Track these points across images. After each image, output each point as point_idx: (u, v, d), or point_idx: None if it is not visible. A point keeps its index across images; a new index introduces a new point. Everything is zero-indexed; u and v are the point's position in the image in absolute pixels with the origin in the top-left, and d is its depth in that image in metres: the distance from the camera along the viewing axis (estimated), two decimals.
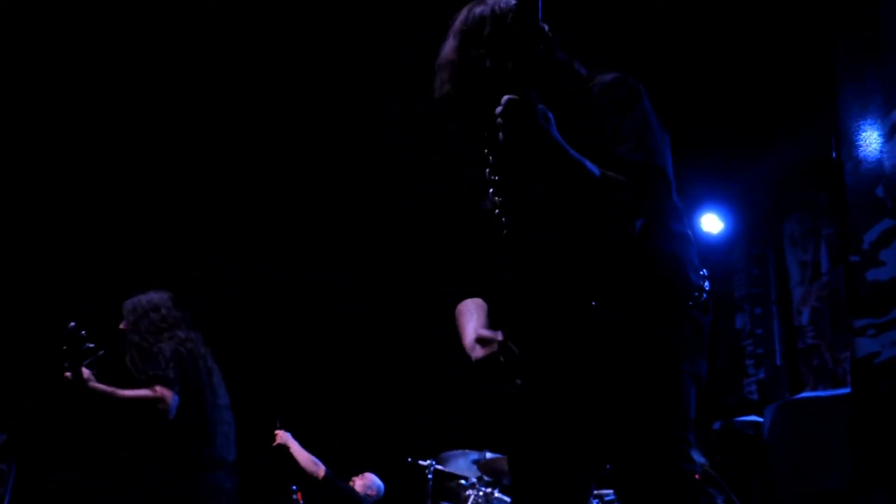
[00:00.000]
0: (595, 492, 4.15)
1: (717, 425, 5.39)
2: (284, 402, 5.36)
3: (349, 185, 6.56)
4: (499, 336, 1.94)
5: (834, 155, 3.91)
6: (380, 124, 5.86)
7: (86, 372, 3.59)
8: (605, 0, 4.80)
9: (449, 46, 2.01)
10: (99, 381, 3.66)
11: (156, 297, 3.97)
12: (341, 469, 5.59)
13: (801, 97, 5.41)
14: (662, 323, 1.89)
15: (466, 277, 2.21)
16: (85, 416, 4.99)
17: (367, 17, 5.10)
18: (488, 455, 5.28)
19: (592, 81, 1.98)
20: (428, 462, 5.37)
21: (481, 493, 5.07)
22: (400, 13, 4.94)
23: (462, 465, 5.43)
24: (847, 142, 3.85)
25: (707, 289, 1.97)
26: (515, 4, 1.64)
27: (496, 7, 1.99)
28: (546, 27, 1.98)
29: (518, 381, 1.90)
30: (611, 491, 4.62)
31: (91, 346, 3.59)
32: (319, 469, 5.04)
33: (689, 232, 2.03)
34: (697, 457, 1.90)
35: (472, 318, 2.09)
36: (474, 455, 5.37)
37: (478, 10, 2.01)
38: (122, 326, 3.89)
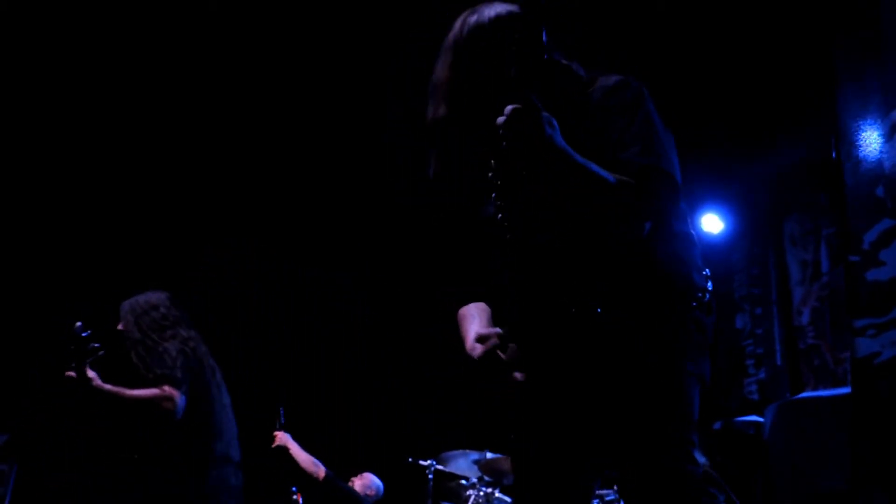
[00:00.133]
0: (595, 492, 4.15)
1: (717, 425, 5.39)
2: (284, 403, 5.34)
3: (349, 185, 6.56)
4: (497, 330, 1.94)
5: (834, 155, 3.91)
6: (380, 124, 5.86)
7: (90, 372, 3.57)
8: (605, 0, 4.80)
9: (442, 64, 2.00)
10: (101, 380, 3.63)
11: (153, 296, 3.96)
12: (341, 469, 5.59)
13: (801, 97, 5.41)
14: (664, 323, 1.89)
15: (466, 278, 2.21)
16: (85, 416, 4.99)
17: (367, 16, 5.10)
18: (489, 455, 5.29)
19: (594, 84, 1.98)
20: (428, 462, 5.37)
21: (482, 494, 5.07)
22: (399, 13, 4.94)
23: (462, 465, 5.43)
24: (847, 142, 3.85)
25: (710, 289, 1.97)
26: (520, 13, 1.64)
27: (489, 15, 1.97)
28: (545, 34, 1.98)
29: (518, 375, 1.90)
30: (611, 491, 4.62)
31: (96, 345, 3.56)
32: (320, 470, 5.03)
33: (693, 232, 2.03)
34: (699, 457, 1.90)
35: (474, 322, 2.08)
36: (475, 455, 5.37)
37: (472, 19, 1.99)
38: (119, 327, 3.88)
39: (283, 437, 5.06)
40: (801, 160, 6.10)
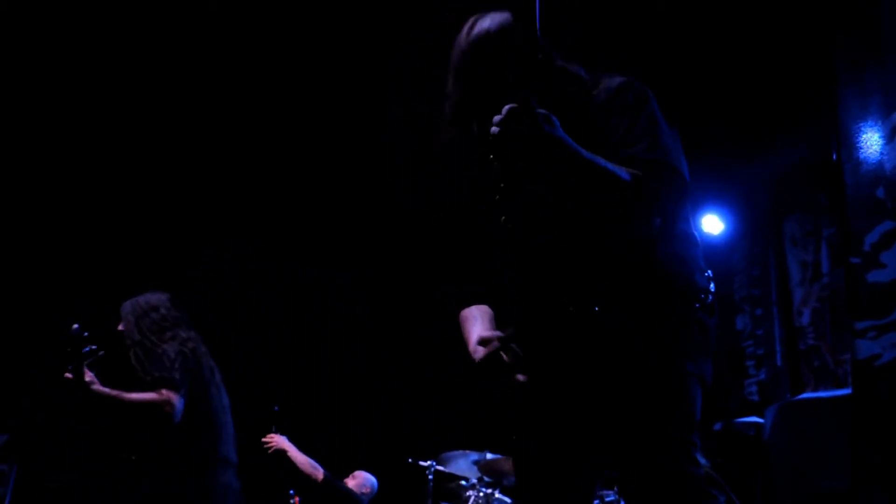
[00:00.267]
0: (596, 492, 4.15)
1: (717, 426, 5.39)
2: (280, 405, 5.32)
3: (349, 185, 6.56)
4: (499, 333, 1.94)
5: (834, 156, 3.91)
6: (380, 124, 5.86)
7: (88, 375, 3.55)
8: (605, 0, 4.80)
9: (457, 60, 2.02)
10: (100, 381, 3.62)
11: (154, 297, 3.95)
12: (342, 469, 5.59)
13: (802, 98, 5.41)
14: (664, 323, 1.89)
15: (467, 278, 2.21)
16: (85, 416, 4.98)
17: (367, 16, 5.10)
18: (489, 456, 5.28)
19: (597, 85, 1.99)
20: (428, 463, 5.37)
21: (482, 494, 5.07)
22: (399, 13, 4.94)
23: (462, 465, 5.43)
24: (847, 143, 3.85)
25: (712, 291, 1.97)
26: (513, 15, 1.65)
27: (498, 21, 1.99)
28: (541, 37, 1.99)
29: (520, 377, 1.90)
30: (611, 491, 4.62)
31: (94, 347, 3.56)
32: (318, 472, 5.02)
33: (696, 234, 2.03)
34: (700, 459, 1.89)
35: (476, 324, 2.09)
36: (475, 456, 5.37)
37: (481, 24, 2.02)
38: (120, 328, 3.87)
39: (279, 440, 5.04)
40: (801, 161, 6.10)
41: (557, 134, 1.71)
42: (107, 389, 3.57)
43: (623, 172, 1.79)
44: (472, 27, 2.03)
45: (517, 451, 2.07)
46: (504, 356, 1.91)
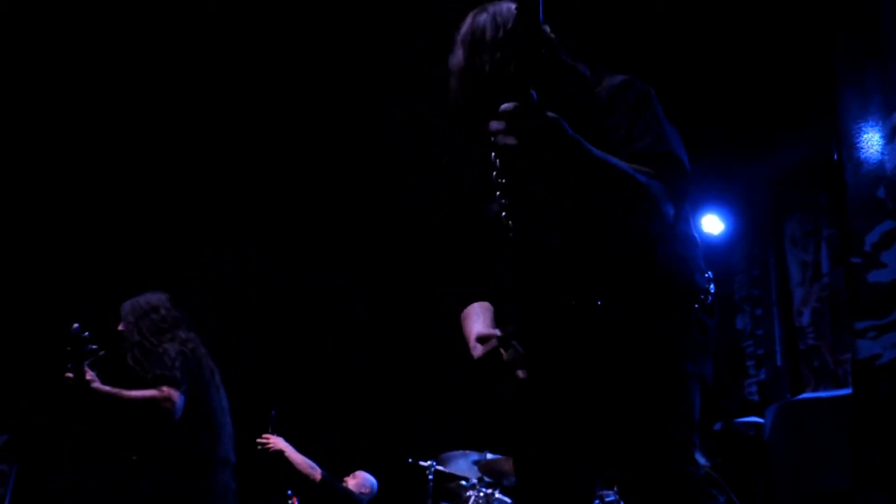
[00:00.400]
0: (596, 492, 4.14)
1: (717, 426, 5.39)
2: (277, 405, 5.32)
3: (349, 185, 6.56)
4: (497, 332, 1.94)
5: (835, 156, 3.91)
6: (380, 124, 5.86)
7: (89, 373, 3.55)
8: (605, 1, 4.80)
9: (458, 55, 2.03)
10: (100, 381, 3.62)
11: (154, 297, 3.95)
12: (342, 470, 5.59)
13: (802, 98, 5.41)
14: (664, 323, 1.89)
15: (467, 277, 2.21)
16: (85, 416, 4.98)
17: (367, 17, 5.10)
18: (489, 456, 5.28)
19: (599, 83, 1.99)
20: (428, 463, 5.36)
21: (482, 494, 5.07)
22: (399, 13, 4.94)
23: (463, 465, 5.43)
24: (848, 143, 3.85)
25: (712, 291, 1.97)
26: (516, 8, 1.64)
27: (497, 14, 2.00)
28: (548, 29, 1.98)
29: (520, 374, 1.89)
30: (611, 491, 4.62)
31: (94, 346, 3.56)
32: (316, 472, 5.02)
33: (696, 234, 2.03)
34: (700, 459, 1.89)
35: (477, 321, 2.09)
36: (475, 456, 5.37)
37: (480, 18, 2.02)
38: (120, 328, 3.87)
39: (276, 441, 5.03)
40: (801, 161, 6.10)
41: (567, 133, 1.69)
42: (107, 387, 3.57)
43: (637, 172, 1.78)
44: (472, 21, 2.03)
45: (517, 450, 2.07)
46: (503, 353, 1.91)
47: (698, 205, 6.63)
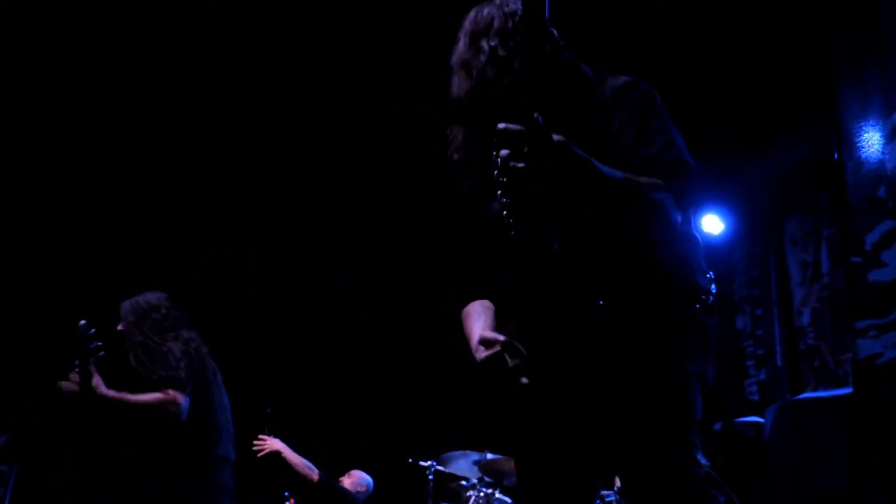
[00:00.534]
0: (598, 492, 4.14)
1: (717, 426, 5.39)
2: (280, 405, 5.31)
3: (349, 185, 6.56)
4: (501, 337, 1.93)
5: (836, 156, 3.91)
6: (380, 124, 5.86)
7: (95, 378, 3.54)
8: (605, 2, 4.80)
9: (462, 46, 2.00)
10: (105, 385, 3.60)
11: (153, 297, 3.94)
12: (342, 470, 5.58)
13: (802, 98, 5.41)
14: (665, 323, 1.88)
15: (467, 277, 2.20)
16: (85, 416, 4.98)
17: (367, 17, 5.10)
18: (489, 456, 5.28)
19: (602, 84, 1.98)
20: (429, 463, 5.36)
21: (482, 494, 5.06)
22: (400, 13, 4.94)
23: (463, 465, 5.43)
24: (848, 143, 3.85)
25: (713, 291, 1.97)
26: (522, 4, 1.63)
27: (504, 6, 1.99)
28: (553, 28, 1.97)
29: (524, 381, 1.89)
30: (611, 491, 4.62)
31: (99, 344, 3.54)
32: (313, 473, 5.01)
33: (697, 234, 2.03)
34: (701, 459, 1.89)
35: (478, 320, 2.07)
36: (475, 456, 5.37)
37: (486, 10, 2.01)
38: (119, 328, 3.86)
39: (272, 442, 5.02)
40: (801, 161, 6.10)
41: (580, 155, 1.68)
42: (112, 392, 3.56)
43: (647, 186, 1.78)
44: (476, 14, 2.01)
45: (518, 450, 2.07)
46: (507, 359, 1.90)
47: (698, 205, 6.63)
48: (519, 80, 1.66)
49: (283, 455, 4.97)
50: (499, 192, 1.73)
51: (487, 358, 1.90)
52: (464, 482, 5.35)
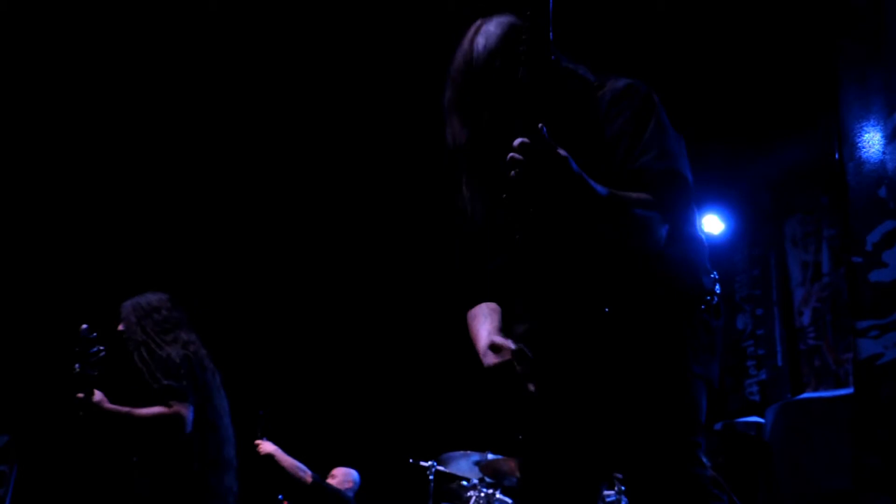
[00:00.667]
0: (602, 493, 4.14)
1: (718, 426, 5.39)
2: (280, 406, 5.30)
3: (349, 184, 6.56)
4: (511, 345, 1.91)
5: (836, 156, 3.91)
6: (381, 124, 5.86)
7: (98, 394, 3.54)
8: (606, 2, 4.80)
9: (451, 91, 1.97)
10: (99, 380, 3.60)
11: (154, 298, 3.94)
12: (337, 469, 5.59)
13: (803, 99, 5.41)
14: (671, 325, 1.88)
15: (470, 278, 2.19)
16: (89, 426, 4.98)
17: (369, 18, 5.10)
18: (490, 456, 5.28)
19: (603, 86, 1.97)
20: (429, 463, 5.36)
21: (483, 495, 5.06)
22: (401, 13, 4.94)
23: (463, 466, 5.43)
24: (849, 143, 3.85)
25: (718, 293, 1.96)
26: (528, 16, 1.62)
27: (496, 34, 1.95)
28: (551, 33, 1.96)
29: (531, 387, 1.88)
30: (612, 491, 4.61)
31: (101, 347, 3.55)
32: (306, 475, 5.00)
33: (701, 235, 2.02)
34: (705, 460, 1.89)
35: (485, 322, 2.06)
36: (476, 456, 5.36)
37: (479, 41, 1.95)
38: (120, 328, 3.86)
39: (266, 445, 5.01)
40: (802, 161, 6.10)
41: (577, 173, 1.69)
42: (116, 407, 3.56)
43: (635, 205, 1.78)
44: (474, 36, 1.97)
45: (522, 452, 2.06)
46: (517, 367, 1.88)
47: (700, 205, 6.62)
48: (524, 94, 1.65)
49: (276, 458, 4.96)
50: (503, 195, 1.72)
51: (497, 365, 1.89)
52: (464, 482, 5.35)
